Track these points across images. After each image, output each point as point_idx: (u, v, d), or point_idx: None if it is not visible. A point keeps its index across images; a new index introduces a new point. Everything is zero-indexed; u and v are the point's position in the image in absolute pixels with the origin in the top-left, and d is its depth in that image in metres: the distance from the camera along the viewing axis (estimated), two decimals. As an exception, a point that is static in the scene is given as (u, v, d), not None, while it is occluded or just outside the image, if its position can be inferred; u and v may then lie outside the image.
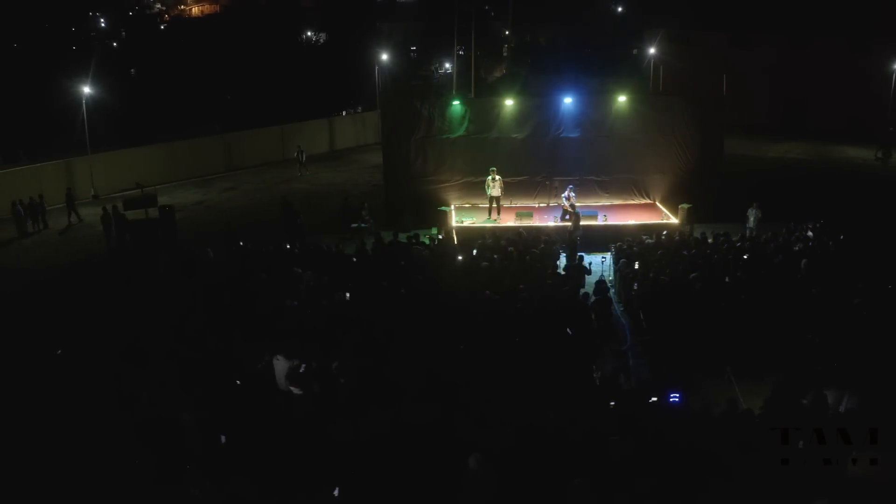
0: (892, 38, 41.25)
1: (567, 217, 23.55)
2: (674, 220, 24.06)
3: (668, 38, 49.65)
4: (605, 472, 9.44)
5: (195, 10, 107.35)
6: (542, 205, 25.55)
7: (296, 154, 36.40)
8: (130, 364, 12.86)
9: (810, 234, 21.07)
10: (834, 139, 41.46)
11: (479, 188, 24.97)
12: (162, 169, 33.17)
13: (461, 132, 25.34)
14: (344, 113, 49.07)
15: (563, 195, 23.83)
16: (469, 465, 9.29)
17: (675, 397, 12.16)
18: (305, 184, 33.91)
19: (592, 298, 16.80)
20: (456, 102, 25.42)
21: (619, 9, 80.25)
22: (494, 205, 24.21)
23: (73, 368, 13.03)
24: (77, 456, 10.26)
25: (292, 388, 12.54)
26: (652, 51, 46.03)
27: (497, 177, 23.79)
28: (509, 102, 25.16)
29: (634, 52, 69.44)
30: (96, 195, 31.58)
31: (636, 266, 17.92)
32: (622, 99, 25.30)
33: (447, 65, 73.68)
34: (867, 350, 13.40)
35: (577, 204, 23.76)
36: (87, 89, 32.06)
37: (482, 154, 25.13)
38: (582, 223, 23.37)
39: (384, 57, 47.81)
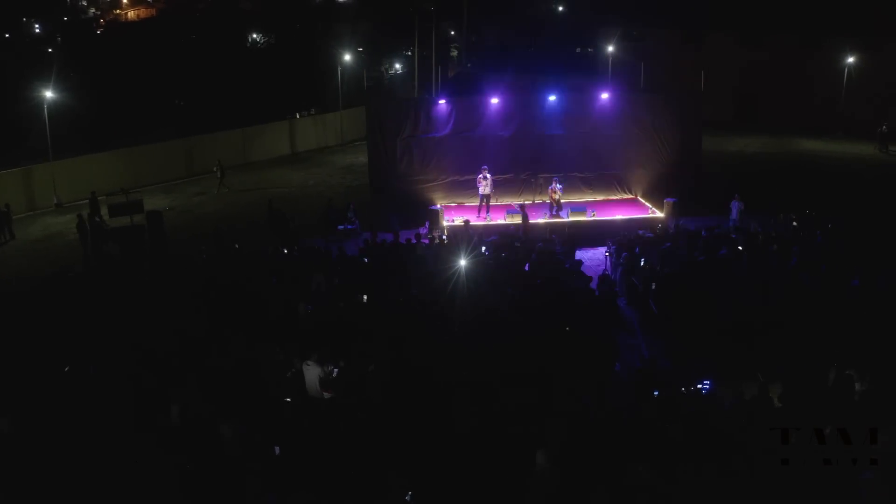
0: (840, 34, 42.64)
1: (556, 211, 23.78)
2: (659, 214, 24.42)
3: (622, 36, 50.48)
4: (660, 457, 9.50)
5: (131, 13, 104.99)
6: (528, 202, 25.66)
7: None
8: (154, 376, 12.45)
9: (795, 223, 21.63)
10: (788, 133, 42.65)
11: (465, 187, 24.98)
12: (124, 175, 32.20)
13: (447, 131, 25.25)
14: (298, 115, 48.58)
15: (549, 187, 24.04)
16: (537, 460, 9.25)
17: (706, 385, 12.40)
18: (280, 187, 33.35)
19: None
20: (442, 101, 25.32)
21: (560, 8, 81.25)
22: (484, 203, 24.22)
23: (89, 382, 12.54)
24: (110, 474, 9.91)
25: (326, 394, 12.32)
26: (611, 49, 46.66)
27: (488, 175, 23.82)
28: (495, 101, 25.16)
29: (577, 50, 70.62)
30: (59, 203, 30.56)
31: (642, 262, 18.09)
32: (604, 96, 25.57)
33: (397, 65, 73.65)
34: (876, 331, 13.84)
35: (562, 200, 24.01)
36: (48, 94, 30.98)
37: (468, 152, 25.14)
38: (572, 219, 23.60)
39: (347, 58, 47.47)
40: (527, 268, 17.95)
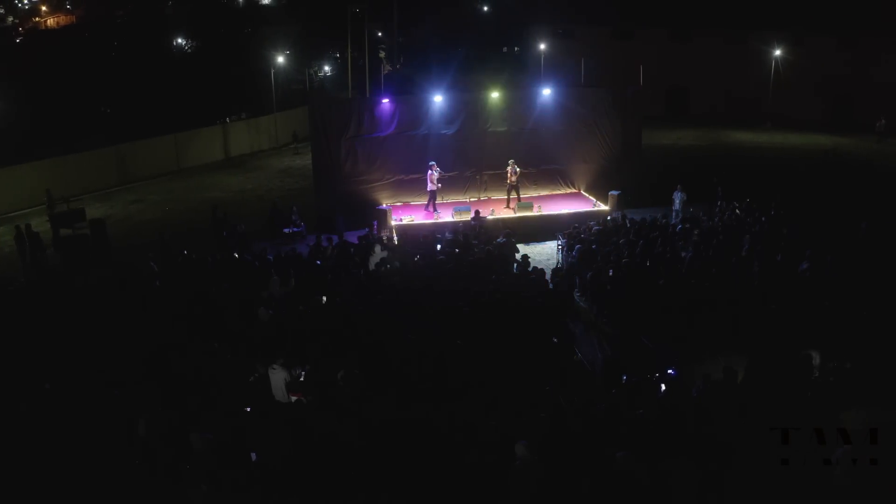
0: (765, 28, 44.04)
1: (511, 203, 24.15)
2: (604, 207, 24.79)
3: (551, 34, 51.10)
4: (642, 444, 9.65)
5: (51, 21, 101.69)
6: (472, 199, 25.77)
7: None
8: (118, 390, 12.07)
9: (738, 212, 22.21)
10: (718, 125, 43.92)
11: (411, 186, 24.93)
12: (56, 185, 30.98)
13: (391, 130, 25.10)
14: (228, 120, 47.71)
15: (510, 170, 24.40)
16: (517, 453, 9.28)
17: (671, 372, 12.64)
18: (218, 192, 32.70)
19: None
20: (385, 100, 25.15)
21: (485, 8, 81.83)
22: (432, 199, 24.20)
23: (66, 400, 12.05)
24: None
25: (293, 398, 12.16)
26: (543, 46, 47.16)
27: (437, 170, 23.85)
28: (438, 98, 25.13)
29: (504, 49, 71.42)
30: (-10, 215, 29.44)
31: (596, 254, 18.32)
32: (546, 92, 25.81)
33: (326, 68, 73.05)
34: (829, 311, 14.34)
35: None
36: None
37: (413, 151, 25.06)
38: (520, 214, 23.77)
39: (280, 60, 46.93)
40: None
